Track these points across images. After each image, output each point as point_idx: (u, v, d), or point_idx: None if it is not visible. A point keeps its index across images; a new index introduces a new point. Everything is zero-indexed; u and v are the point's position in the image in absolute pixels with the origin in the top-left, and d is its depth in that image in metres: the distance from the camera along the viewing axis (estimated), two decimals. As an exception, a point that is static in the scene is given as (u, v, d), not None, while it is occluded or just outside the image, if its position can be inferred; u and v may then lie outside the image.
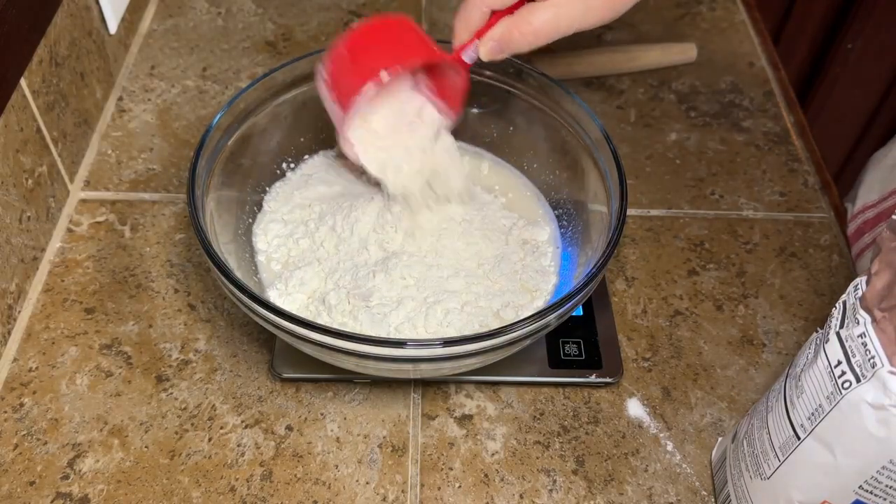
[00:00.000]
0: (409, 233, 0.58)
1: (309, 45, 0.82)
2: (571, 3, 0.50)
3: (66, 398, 0.55)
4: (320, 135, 0.64)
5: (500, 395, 0.57)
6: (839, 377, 0.40)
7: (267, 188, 0.63)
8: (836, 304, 0.42)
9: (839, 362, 0.40)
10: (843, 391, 0.39)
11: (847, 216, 0.68)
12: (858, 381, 0.39)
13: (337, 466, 0.53)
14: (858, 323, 0.39)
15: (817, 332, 0.44)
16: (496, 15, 0.53)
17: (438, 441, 0.55)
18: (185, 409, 0.55)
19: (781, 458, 0.44)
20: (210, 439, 0.54)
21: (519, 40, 0.51)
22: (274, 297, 0.56)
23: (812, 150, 0.74)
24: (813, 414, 0.41)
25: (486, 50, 0.53)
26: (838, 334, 0.41)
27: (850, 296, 0.41)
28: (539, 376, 0.57)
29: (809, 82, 1.22)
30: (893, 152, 0.70)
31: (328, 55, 0.55)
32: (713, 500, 0.53)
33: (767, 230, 0.68)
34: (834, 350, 0.41)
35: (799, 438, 0.42)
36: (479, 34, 0.53)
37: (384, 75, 0.52)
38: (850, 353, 0.40)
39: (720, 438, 0.54)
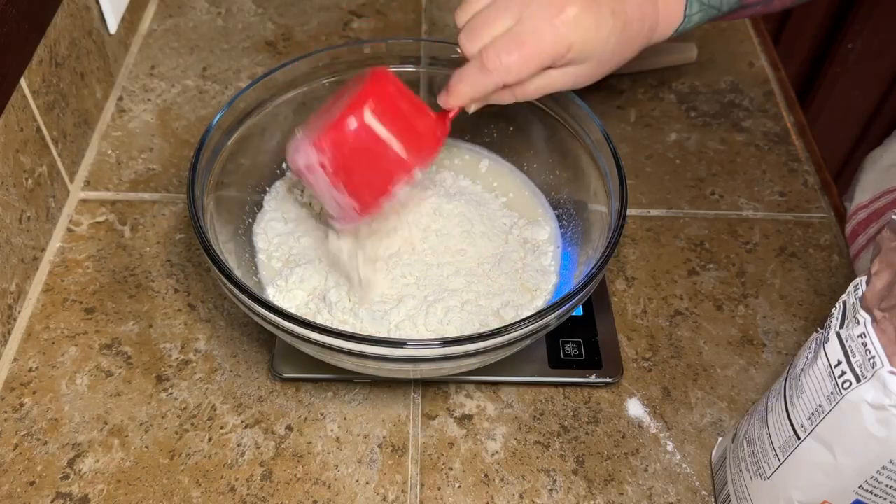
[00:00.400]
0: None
1: (309, 45, 0.82)
2: (564, 77, 0.52)
3: (66, 398, 0.55)
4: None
5: (500, 395, 0.57)
6: (839, 377, 0.40)
7: (267, 188, 0.63)
8: (836, 304, 0.42)
9: (839, 362, 0.40)
10: (843, 391, 0.39)
11: (846, 216, 0.68)
12: (858, 381, 0.39)
13: (337, 466, 0.53)
14: (858, 323, 0.39)
15: (817, 332, 0.44)
16: None
17: (438, 441, 0.55)
18: (185, 409, 0.55)
19: (781, 458, 0.44)
20: (210, 439, 0.54)
21: (508, 98, 0.53)
22: (273, 293, 0.56)
23: (812, 150, 0.74)
24: (813, 414, 0.41)
25: (476, 106, 0.53)
26: (838, 334, 0.41)
27: (850, 296, 0.41)
28: (539, 376, 0.57)
29: (809, 82, 1.22)
30: (889, 153, 0.70)
31: (328, 136, 0.48)
32: (713, 500, 0.53)
33: (767, 230, 0.68)
34: (834, 350, 0.41)
35: (799, 438, 0.42)
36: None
37: (417, 174, 0.49)
38: (850, 353, 0.40)
39: (720, 438, 0.54)
